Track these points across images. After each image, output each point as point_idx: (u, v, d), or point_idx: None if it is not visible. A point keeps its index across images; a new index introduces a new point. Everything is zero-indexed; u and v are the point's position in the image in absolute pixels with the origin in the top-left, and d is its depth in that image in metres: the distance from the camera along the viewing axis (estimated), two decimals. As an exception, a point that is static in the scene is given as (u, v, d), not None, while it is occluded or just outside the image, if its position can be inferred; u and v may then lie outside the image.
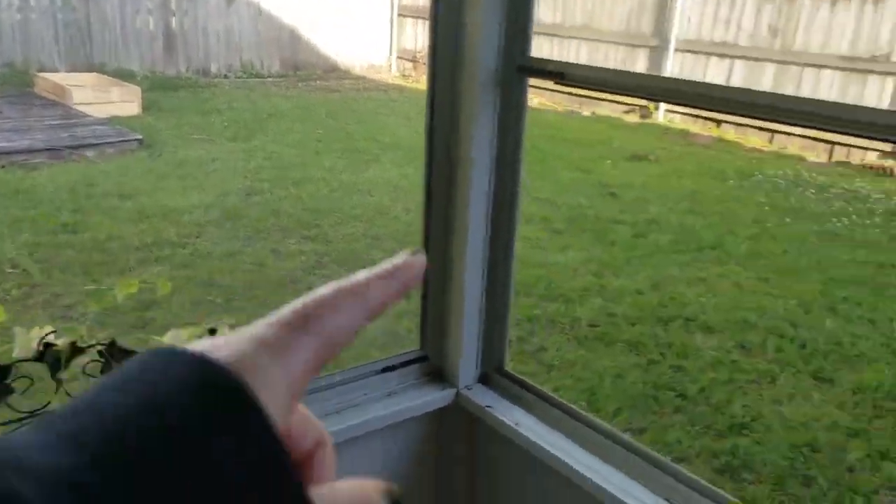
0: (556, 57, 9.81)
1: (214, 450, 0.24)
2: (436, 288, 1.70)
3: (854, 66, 7.58)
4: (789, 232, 5.32)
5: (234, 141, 7.31)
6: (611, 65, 9.38)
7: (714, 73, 8.59)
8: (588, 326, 4.00)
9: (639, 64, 9.19)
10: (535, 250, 5.01)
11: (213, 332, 1.40)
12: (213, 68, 10.69)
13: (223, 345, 0.27)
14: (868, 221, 5.58)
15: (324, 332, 0.30)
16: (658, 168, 7.15)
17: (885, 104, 7.43)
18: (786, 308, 4.17)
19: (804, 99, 1.10)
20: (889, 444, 3.01)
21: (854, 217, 5.65)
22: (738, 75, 8.40)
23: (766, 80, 8.15)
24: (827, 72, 7.76)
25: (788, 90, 8.00)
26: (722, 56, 8.50)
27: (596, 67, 1.43)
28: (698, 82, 1.28)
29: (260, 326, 0.29)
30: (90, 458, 0.23)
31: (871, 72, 7.47)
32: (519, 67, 1.54)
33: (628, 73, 1.38)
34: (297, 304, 0.30)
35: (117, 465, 0.23)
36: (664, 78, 1.27)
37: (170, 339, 1.40)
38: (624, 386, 3.43)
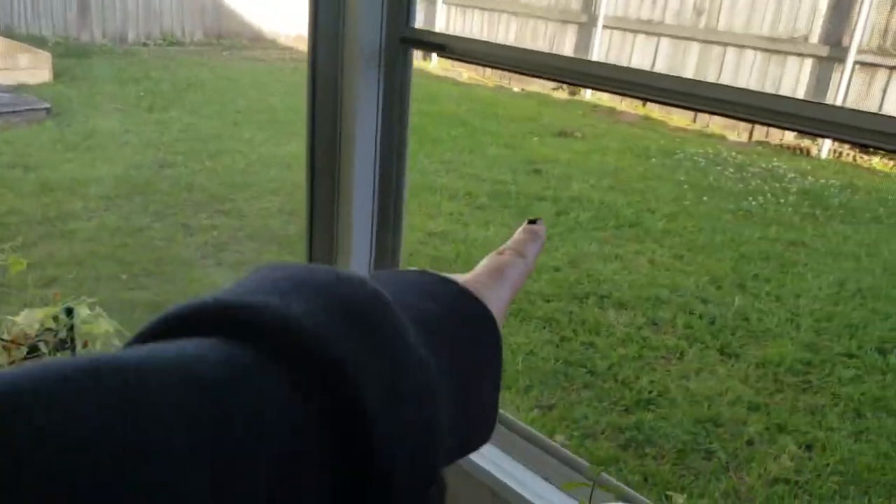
0: (485, 33, 9.76)
1: (470, 332, 0.35)
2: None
3: (775, 47, 7.73)
4: (706, 210, 5.42)
5: (149, 112, 7.05)
6: (540, 39, 9.38)
7: (640, 50, 8.66)
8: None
9: (567, 40, 9.21)
10: (457, 226, 4.99)
11: (69, 312, 1.31)
12: (131, 35, 10.30)
13: (470, 276, 0.41)
14: (782, 200, 5.72)
15: (525, 264, 0.43)
16: (584, 145, 7.19)
17: (803, 85, 7.61)
18: (698, 284, 4.24)
19: (690, 81, 1.08)
20: (787, 417, 3.09)
21: (769, 195, 5.78)
22: (663, 53, 8.49)
23: (690, 59, 8.26)
24: (749, 52, 7.90)
25: (712, 70, 8.13)
26: (649, 34, 8.58)
27: (478, 41, 1.38)
28: (589, 61, 1.25)
29: (487, 259, 0.44)
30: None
31: (791, 53, 7.64)
32: (402, 39, 1.48)
33: (510, 47, 1.34)
34: (506, 244, 0.44)
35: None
36: (546, 54, 1.23)
37: (23, 318, 1.31)
38: (536, 363, 3.44)
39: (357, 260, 1.60)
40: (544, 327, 3.77)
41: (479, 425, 0.35)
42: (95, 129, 6.30)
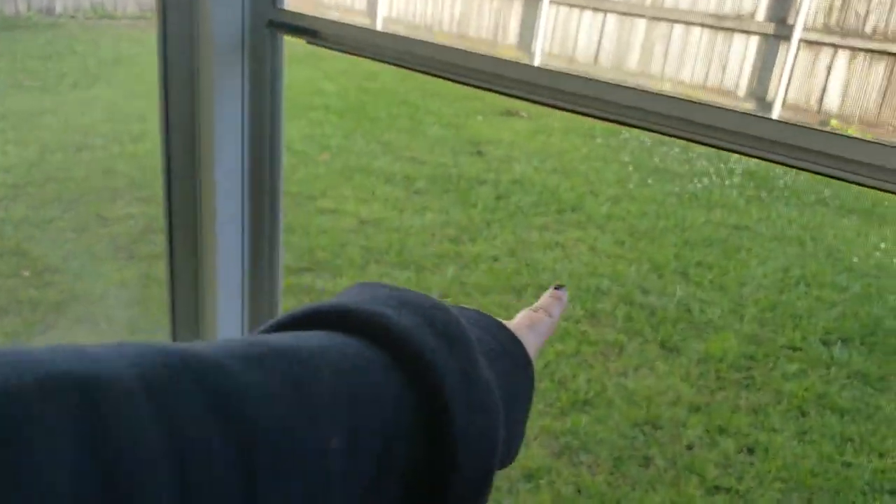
0: (429, 10, 9.47)
1: (517, 370, 0.42)
2: (185, 299, 1.41)
3: (721, 24, 7.61)
4: (650, 193, 5.27)
5: (72, 89, 6.65)
6: (485, 16, 9.13)
7: (588, 26, 8.47)
8: (439, 297, 3.78)
9: (513, 17, 8.98)
10: (392, 212, 4.76)
11: None
12: (59, 7, 9.77)
13: (512, 320, 0.48)
14: (727, 182, 5.61)
15: (552, 322, 0.50)
16: (529, 125, 6.99)
17: (749, 62, 7.51)
18: (639, 273, 4.09)
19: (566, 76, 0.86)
20: (728, 417, 2.95)
21: (714, 177, 5.66)
22: (610, 30, 8.32)
23: (636, 36, 8.10)
24: (696, 29, 7.77)
25: (659, 47, 7.98)
26: (596, 10, 8.39)
27: (352, 26, 1.16)
28: (470, 54, 1.03)
29: (523, 314, 0.50)
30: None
31: (737, 30, 7.53)
32: (269, 23, 1.25)
33: (391, 36, 1.11)
34: (538, 304, 0.51)
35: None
36: (427, 44, 1.01)
37: None
38: (469, 362, 3.24)
39: (226, 271, 1.38)
40: (480, 322, 3.57)
41: (513, 447, 0.42)
42: (11, 110, 5.90)
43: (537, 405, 2.98)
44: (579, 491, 2.54)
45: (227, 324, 1.42)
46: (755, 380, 3.21)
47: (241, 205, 1.36)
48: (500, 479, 2.59)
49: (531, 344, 0.46)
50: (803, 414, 3.01)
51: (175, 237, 1.38)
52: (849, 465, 2.74)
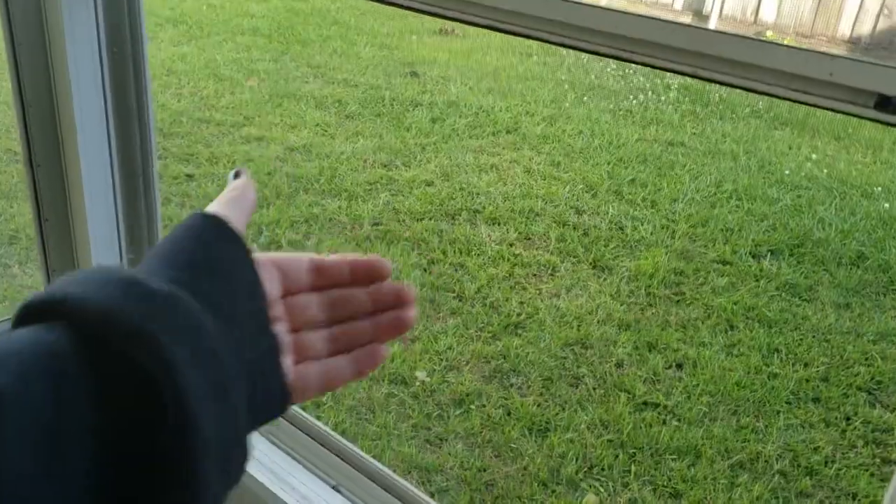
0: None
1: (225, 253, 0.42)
2: (55, 222, 1.30)
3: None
4: (585, 111, 5.20)
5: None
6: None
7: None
8: (371, 225, 3.70)
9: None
10: (323, 138, 4.61)
11: None
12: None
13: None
14: (663, 97, 5.56)
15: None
16: (464, 43, 6.81)
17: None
18: (573, 193, 4.05)
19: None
20: (658, 334, 2.96)
21: (650, 93, 5.60)
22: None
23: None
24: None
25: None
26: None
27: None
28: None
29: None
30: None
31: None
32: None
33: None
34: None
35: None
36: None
37: None
38: (400, 289, 3.18)
39: (97, 211, 1.27)
40: (412, 249, 3.51)
41: (247, 337, 0.40)
42: None
43: (468, 330, 2.95)
44: (509, 413, 2.54)
45: (103, 256, 1.32)
46: (685, 295, 3.22)
47: (107, 145, 1.24)
48: (430, 406, 2.57)
49: (239, 221, 0.44)
50: (732, 327, 3.04)
51: (39, 177, 1.25)
52: (775, 375, 2.78)
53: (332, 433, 1.17)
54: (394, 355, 2.78)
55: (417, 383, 2.67)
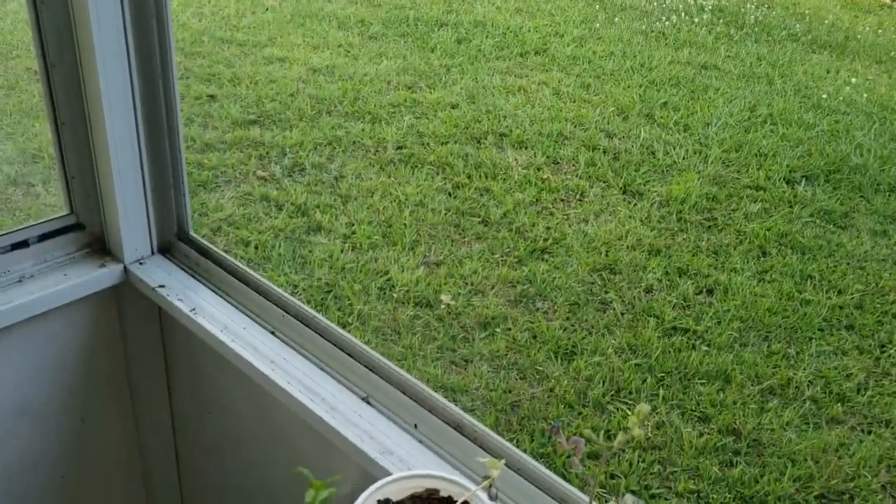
0: None
1: None
2: (73, 134, 1.25)
3: None
4: (617, 32, 5.03)
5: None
6: None
7: None
8: (395, 149, 3.63)
9: None
10: (346, 59, 4.50)
11: None
12: None
13: None
14: (697, 19, 5.36)
15: None
16: (491, -37, 6.57)
17: None
18: (603, 116, 3.94)
19: None
20: (688, 260, 2.90)
21: (683, 14, 5.40)
22: None
23: None
24: None
25: None
26: None
27: None
28: None
29: None
30: None
31: None
32: None
33: None
34: None
35: None
36: None
37: None
38: (425, 215, 3.14)
39: (118, 134, 1.22)
40: (437, 174, 3.45)
41: None
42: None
43: (494, 255, 2.91)
44: (535, 337, 2.51)
45: (126, 184, 1.28)
46: (717, 221, 3.15)
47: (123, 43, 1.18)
48: (456, 328, 2.55)
49: None
50: (764, 254, 2.97)
51: (56, 78, 1.20)
52: (807, 302, 2.72)
53: (363, 345, 1.14)
54: (418, 279, 2.75)
55: (442, 306, 2.65)
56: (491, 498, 0.71)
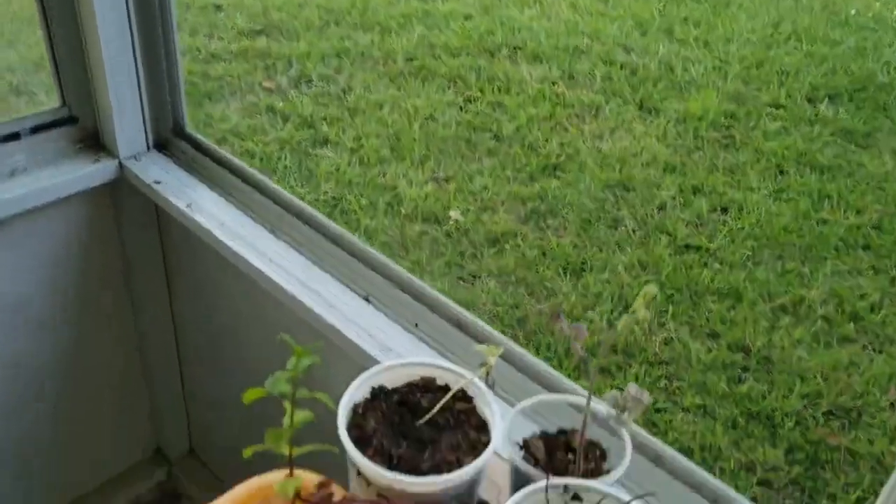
0: None
1: None
2: (60, 19, 1.19)
3: None
4: (638, -57, 4.82)
5: None
6: None
7: None
8: (405, 61, 3.53)
9: None
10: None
11: None
12: None
13: None
14: (722, -70, 5.12)
15: None
16: None
17: None
18: (622, 30, 3.81)
19: None
20: (704, 177, 2.84)
21: (708, -75, 5.16)
22: None
23: None
24: None
25: None
26: None
27: None
28: None
29: None
30: None
31: None
32: None
33: None
34: None
35: None
36: None
37: None
38: (436, 129, 3.07)
39: (108, 25, 1.16)
40: (448, 87, 3.36)
41: None
42: None
43: (504, 171, 2.85)
44: (544, 254, 2.48)
45: (119, 77, 1.22)
46: (735, 139, 3.06)
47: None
48: (464, 244, 2.51)
49: None
50: (782, 172, 2.90)
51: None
52: (824, 221, 2.66)
53: (363, 244, 1.10)
54: (427, 194, 2.70)
55: (451, 222, 2.61)
56: (488, 385, 0.68)
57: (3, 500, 1.45)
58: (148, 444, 1.64)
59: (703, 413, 1.98)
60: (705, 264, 2.45)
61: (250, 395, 0.54)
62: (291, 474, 0.56)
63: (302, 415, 0.54)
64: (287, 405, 0.55)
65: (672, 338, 2.18)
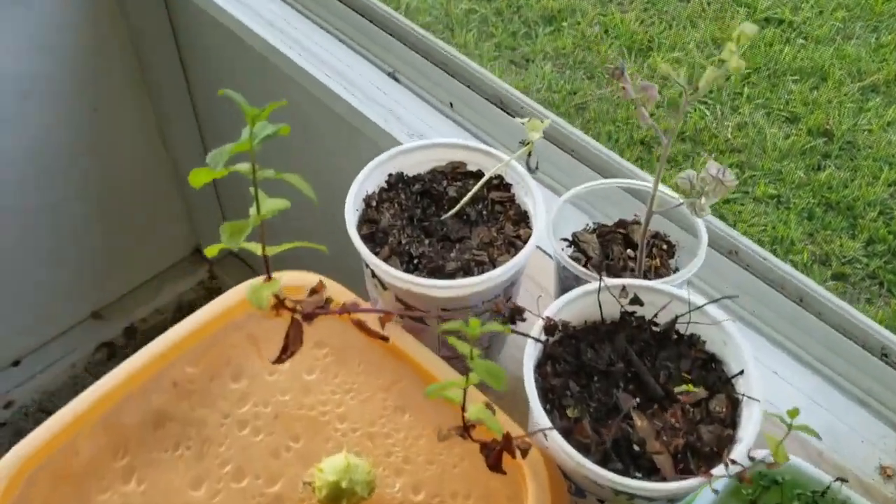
0: None
1: None
2: None
3: None
4: None
5: None
6: None
7: None
8: None
9: None
10: None
11: None
12: None
13: None
14: None
15: None
16: None
17: None
18: None
19: None
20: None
21: None
22: None
23: None
24: None
25: None
26: None
27: None
28: None
29: None
30: None
31: None
32: None
33: None
34: None
35: None
36: None
37: None
38: None
39: None
40: None
41: None
42: None
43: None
44: (606, 31, 2.24)
45: None
46: None
47: None
48: (516, 23, 2.28)
49: None
50: (885, -71, 2.51)
51: None
52: (929, -13, 2.32)
53: (390, 10, 0.94)
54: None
55: (502, -1, 2.36)
56: (530, 169, 0.54)
57: (43, 291, 1.44)
58: (186, 243, 1.59)
59: (776, 203, 1.83)
60: (787, 40, 2.19)
61: (198, 178, 0.42)
62: (270, 279, 0.46)
63: (276, 202, 0.42)
64: (252, 189, 0.43)
65: (746, 122, 1.98)
